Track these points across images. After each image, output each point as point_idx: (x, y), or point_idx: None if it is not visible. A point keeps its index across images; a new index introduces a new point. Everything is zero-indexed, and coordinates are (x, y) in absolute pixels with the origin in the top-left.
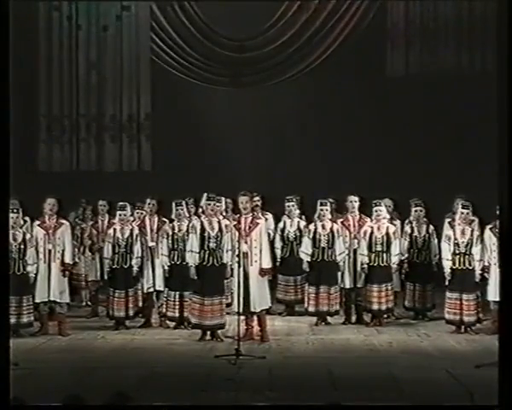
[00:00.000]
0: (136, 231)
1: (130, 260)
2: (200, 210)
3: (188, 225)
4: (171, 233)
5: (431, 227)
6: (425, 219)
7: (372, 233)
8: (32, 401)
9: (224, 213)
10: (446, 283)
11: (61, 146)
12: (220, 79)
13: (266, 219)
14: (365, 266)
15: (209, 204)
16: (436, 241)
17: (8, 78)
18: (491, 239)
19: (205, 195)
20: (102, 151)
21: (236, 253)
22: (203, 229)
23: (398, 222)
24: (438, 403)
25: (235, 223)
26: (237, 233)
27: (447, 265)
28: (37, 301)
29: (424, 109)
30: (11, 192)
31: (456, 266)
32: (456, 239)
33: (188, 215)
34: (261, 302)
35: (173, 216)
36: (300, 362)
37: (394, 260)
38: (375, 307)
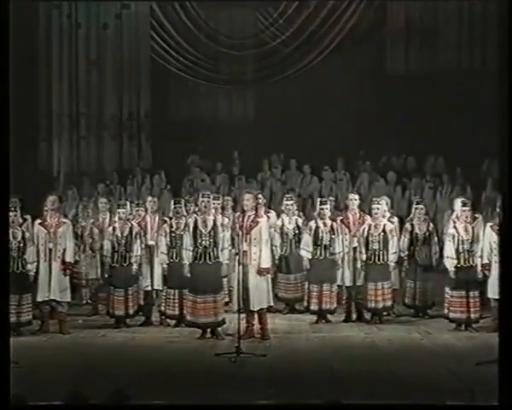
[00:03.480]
0: (136, 229)
1: (130, 259)
2: (197, 208)
3: (185, 223)
4: (169, 231)
5: (431, 225)
6: (425, 217)
7: (369, 231)
8: (33, 399)
9: (221, 211)
10: (449, 281)
11: (62, 144)
12: (220, 77)
13: (269, 218)
14: (363, 263)
15: (203, 201)
16: (436, 239)
17: (8, 77)
18: (491, 237)
19: (200, 193)
20: (102, 149)
21: (236, 251)
22: (195, 227)
23: (395, 220)
24: (438, 400)
25: (238, 220)
26: (239, 231)
27: (451, 263)
28: (38, 299)
29: (424, 108)
30: (11, 191)
31: (462, 263)
32: (460, 237)
33: (186, 213)
34: (260, 301)
35: (171, 214)
36: (301, 360)
37: (391, 258)
38: (371, 304)
